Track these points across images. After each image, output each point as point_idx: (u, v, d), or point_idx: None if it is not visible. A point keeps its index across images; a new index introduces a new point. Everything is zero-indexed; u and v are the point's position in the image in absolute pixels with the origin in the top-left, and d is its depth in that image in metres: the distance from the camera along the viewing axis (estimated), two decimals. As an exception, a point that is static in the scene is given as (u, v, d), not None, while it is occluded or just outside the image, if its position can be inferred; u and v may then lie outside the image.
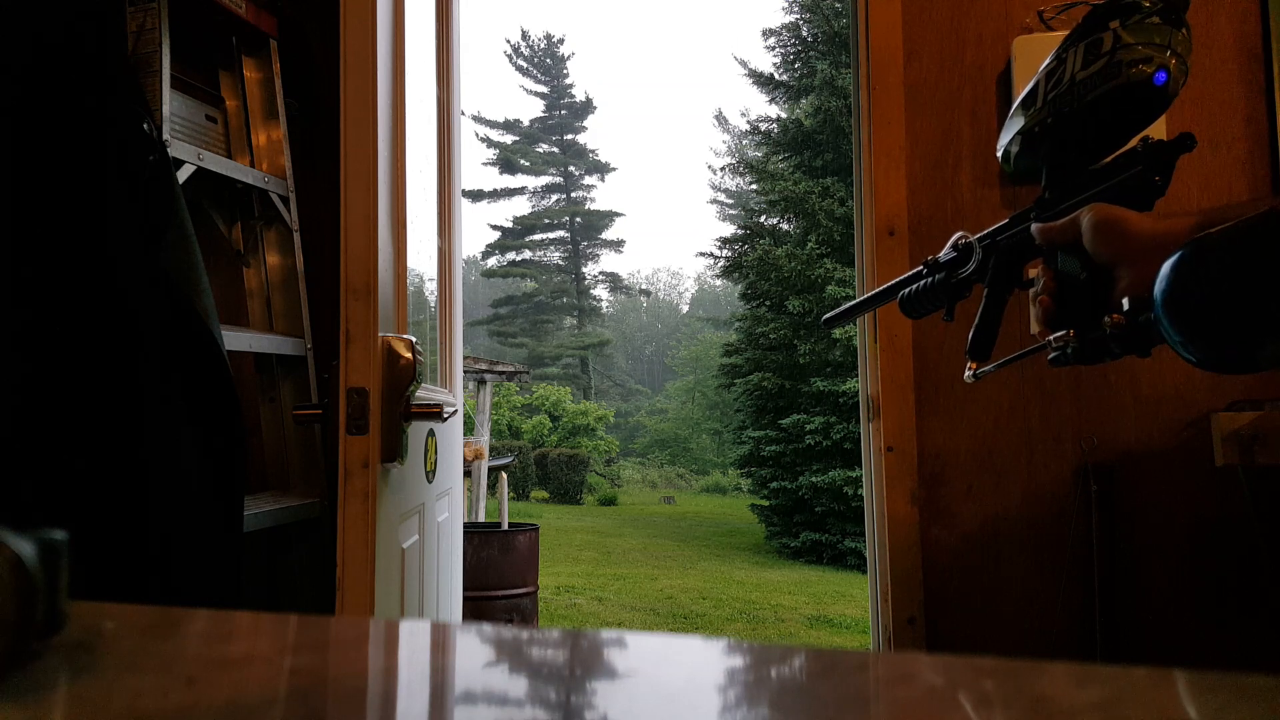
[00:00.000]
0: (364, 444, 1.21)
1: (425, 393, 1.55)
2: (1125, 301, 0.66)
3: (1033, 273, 0.81)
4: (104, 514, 1.32)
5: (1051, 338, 0.74)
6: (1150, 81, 0.73)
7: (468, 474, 7.19)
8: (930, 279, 0.91)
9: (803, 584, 7.68)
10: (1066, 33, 0.79)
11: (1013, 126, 0.85)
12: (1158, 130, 1.72)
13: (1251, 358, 0.57)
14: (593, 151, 34.54)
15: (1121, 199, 0.73)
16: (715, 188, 37.35)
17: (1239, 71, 1.75)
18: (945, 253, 0.90)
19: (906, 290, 0.94)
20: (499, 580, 3.93)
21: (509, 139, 34.08)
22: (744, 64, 14.49)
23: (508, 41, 37.12)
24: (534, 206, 34.40)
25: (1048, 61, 0.80)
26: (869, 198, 1.87)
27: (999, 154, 0.88)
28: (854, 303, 1.02)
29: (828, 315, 1.06)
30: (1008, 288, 0.84)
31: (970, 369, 0.84)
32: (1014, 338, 1.70)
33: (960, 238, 0.88)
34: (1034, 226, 0.78)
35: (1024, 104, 0.83)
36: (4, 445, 1.25)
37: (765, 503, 10.64)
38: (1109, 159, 0.76)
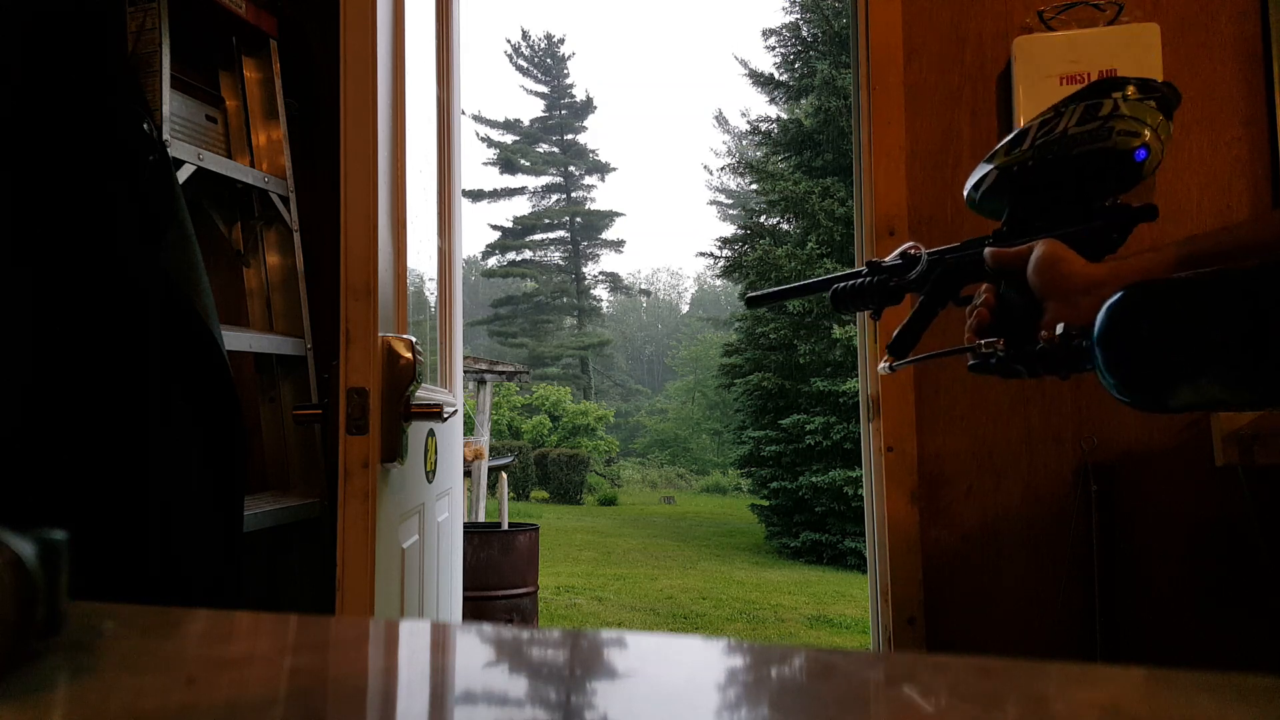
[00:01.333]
0: (364, 444, 1.21)
1: (425, 393, 1.55)
2: (1060, 326, 0.72)
3: (969, 292, 0.88)
4: (104, 514, 1.32)
5: (981, 342, 0.80)
6: (1132, 154, 0.80)
7: (468, 474, 7.19)
8: (869, 279, 0.97)
9: (803, 584, 7.68)
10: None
11: (990, 163, 0.90)
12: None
13: (1163, 400, 0.63)
14: (593, 151, 34.55)
15: (1076, 245, 0.79)
16: (715, 188, 37.37)
17: (1239, 72, 1.75)
18: (891, 259, 0.95)
19: (842, 285, 0.99)
20: (499, 580, 3.93)
21: (509, 139, 34.08)
22: (744, 64, 14.50)
23: (508, 41, 37.15)
24: (534, 206, 34.41)
25: (1045, 112, 0.86)
26: (869, 198, 1.87)
27: (966, 188, 0.93)
28: (783, 288, 1.07)
29: (751, 295, 1.10)
30: (942, 301, 0.92)
31: (886, 362, 0.91)
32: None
33: (910, 247, 0.95)
34: (988, 250, 0.84)
35: (1009, 145, 0.88)
36: (4, 445, 1.25)
37: (765, 503, 10.64)
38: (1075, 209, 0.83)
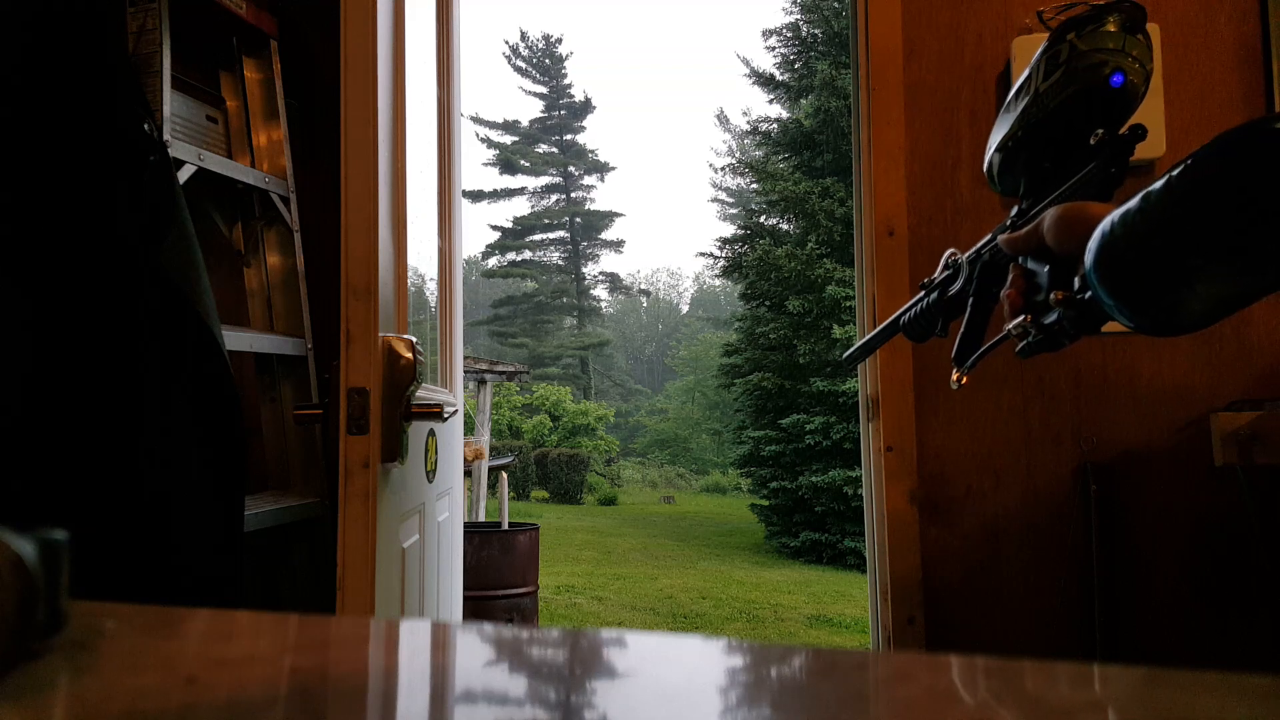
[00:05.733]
0: (364, 444, 1.21)
1: (425, 393, 1.55)
2: (1077, 281, 0.67)
3: None
4: (105, 514, 1.32)
5: (1010, 325, 0.75)
6: (1106, 84, 0.75)
7: (468, 474, 7.20)
8: (926, 299, 0.94)
9: (803, 584, 7.68)
10: None
11: (993, 141, 0.87)
12: (1156, 130, 1.72)
13: (1176, 316, 0.58)
14: (592, 152, 34.52)
15: (1084, 196, 0.75)
16: (716, 186, 37.38)
17: (1239, 71, 1.75)
18: (939, 272, 0.93)
19: (907, 317, 0.97)
20: (499, 580, 3.93)
21: (508, 139, 34.07)
22: (746, 63, 14.51)
23: (506, 42, 37.14)
24: (534, 207, 34.40)
25: (1021, 78, 0.83)
26: (869, 198, 1.87)
27: (985, 171, 0.91)
28: (869, 337, 1.07)
29: (847, 354, 1.11)
30: (992, 298, 0.87)
31: (955, 375, 0.87)
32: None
33: (950, 255, 0.91)
34: (1000, 239, 0.80)
35: (1004, 115, 0.86)
36: (4, 444, 1.25)
37: (765, 502, 10.64)
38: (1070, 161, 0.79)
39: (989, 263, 0.87)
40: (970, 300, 0.89)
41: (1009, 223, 0.84)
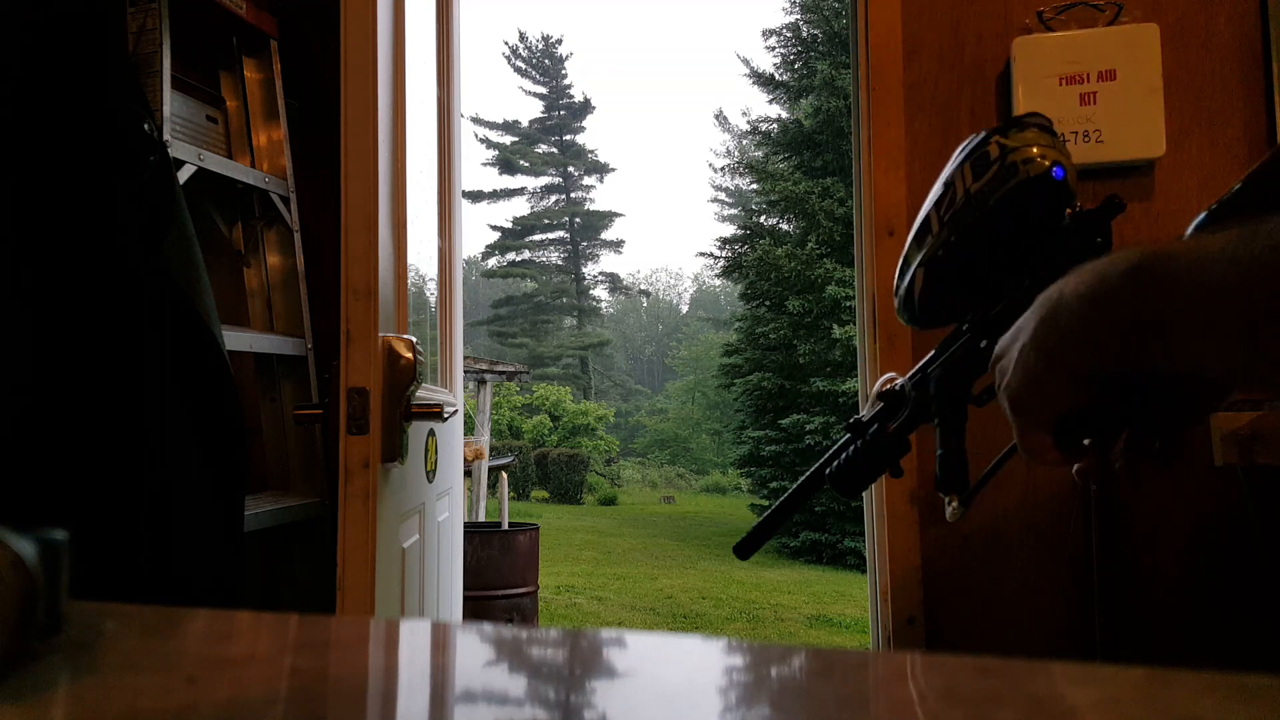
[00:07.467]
0: (364, 444, 1.21)
1: (425, 393, 1.55)
2: None
3: (984, 383, 0.74)
4: (105, 514, 1.32)
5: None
6: (1049, 175, 0.73)
7: (468, 474, 7.20)
8: (859, 441, 0.85)
9: (803, 584, 7.68)
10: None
11: (910, 265, 0.81)
12: (1155, 130, 1.71)
13: None
14: (592, 152, 34.54)
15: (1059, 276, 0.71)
16: (716, 186, 37.38)
17: (1239, 71, 1.75)
18: (870, 409, 0.85)
19: (834, 466, 0.87)
20: (499, 580, 3.93)
21: (508, 140, 34.09)
22: (746, 63, 14.53)
23: (505, 43, 37.14)
24: (533, 207, 34.43)
25: (933, 194, 0.79)
26: (869, 198, 1.87)
27: (897, 304, 0.83)
28: (765, 516, 0.94)
29: (738, 544, 0.97)
30: (959, 413, 0.82)
31: (951, 505, 0.81)
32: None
33: (886, 382, 0.86)
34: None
35: (916, 239, 0.80)
36: (4, 445, 1.25)
37: (765, 503, 10.66)
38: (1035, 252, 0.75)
39: (949, 377, 0.80)
40: (937, 423, 0.82)
41: (965, 328, 0.77)
